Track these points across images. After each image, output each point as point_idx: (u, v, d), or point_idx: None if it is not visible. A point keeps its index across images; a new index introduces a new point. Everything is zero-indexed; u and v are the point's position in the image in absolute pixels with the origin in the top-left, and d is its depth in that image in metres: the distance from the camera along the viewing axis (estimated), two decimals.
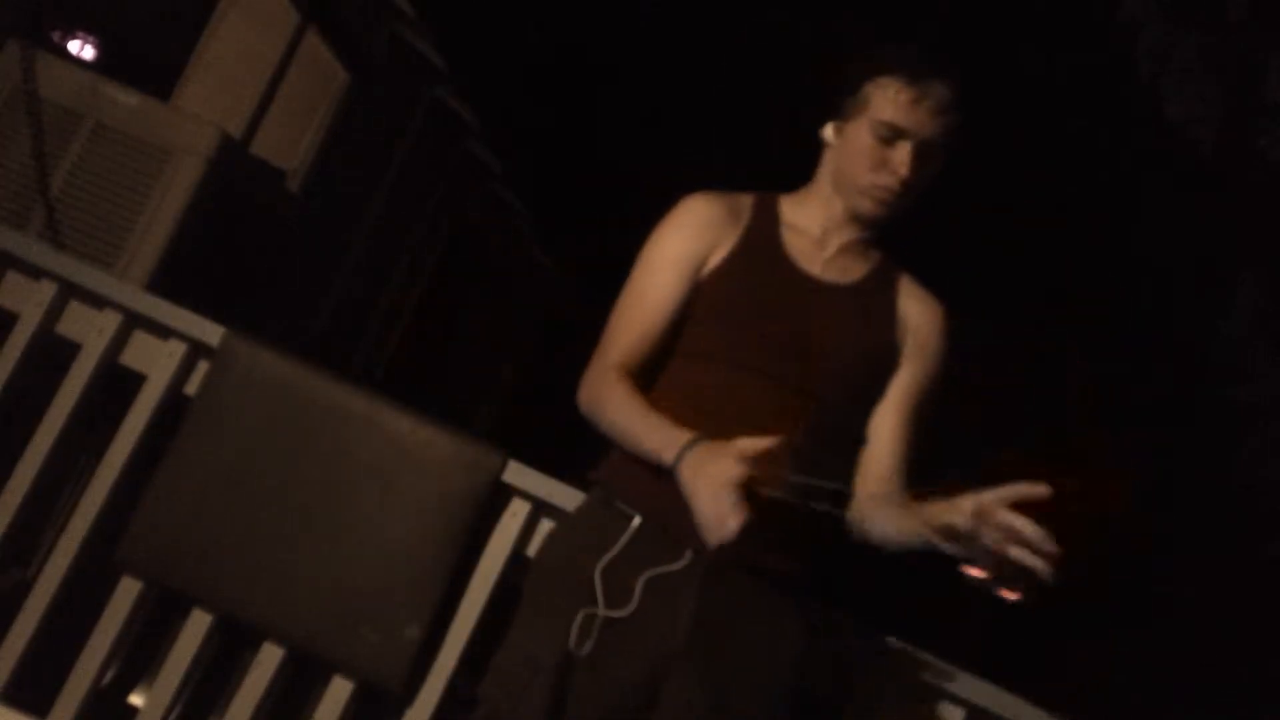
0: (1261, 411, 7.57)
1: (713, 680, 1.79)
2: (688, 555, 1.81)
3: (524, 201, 8.77)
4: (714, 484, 1.67)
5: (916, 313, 1.99)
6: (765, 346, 1.84)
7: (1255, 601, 7.58)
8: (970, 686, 2.21)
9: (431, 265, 8.41)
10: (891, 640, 2.20)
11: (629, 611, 1.80)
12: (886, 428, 1.93)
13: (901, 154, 1.89)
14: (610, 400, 1.87)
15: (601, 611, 1.80)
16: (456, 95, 7.31)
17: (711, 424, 1.83)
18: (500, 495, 2.28)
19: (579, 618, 1.80)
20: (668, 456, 1.76)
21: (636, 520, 1.84)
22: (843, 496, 1.83)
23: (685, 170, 2.01)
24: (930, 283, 2.03)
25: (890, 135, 1.89)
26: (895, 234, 2.03)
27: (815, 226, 1.98)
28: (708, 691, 1.79)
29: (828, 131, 1.99)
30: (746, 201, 2.00)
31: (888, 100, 1.89)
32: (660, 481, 1.84)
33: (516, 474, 2.28)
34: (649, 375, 1.90)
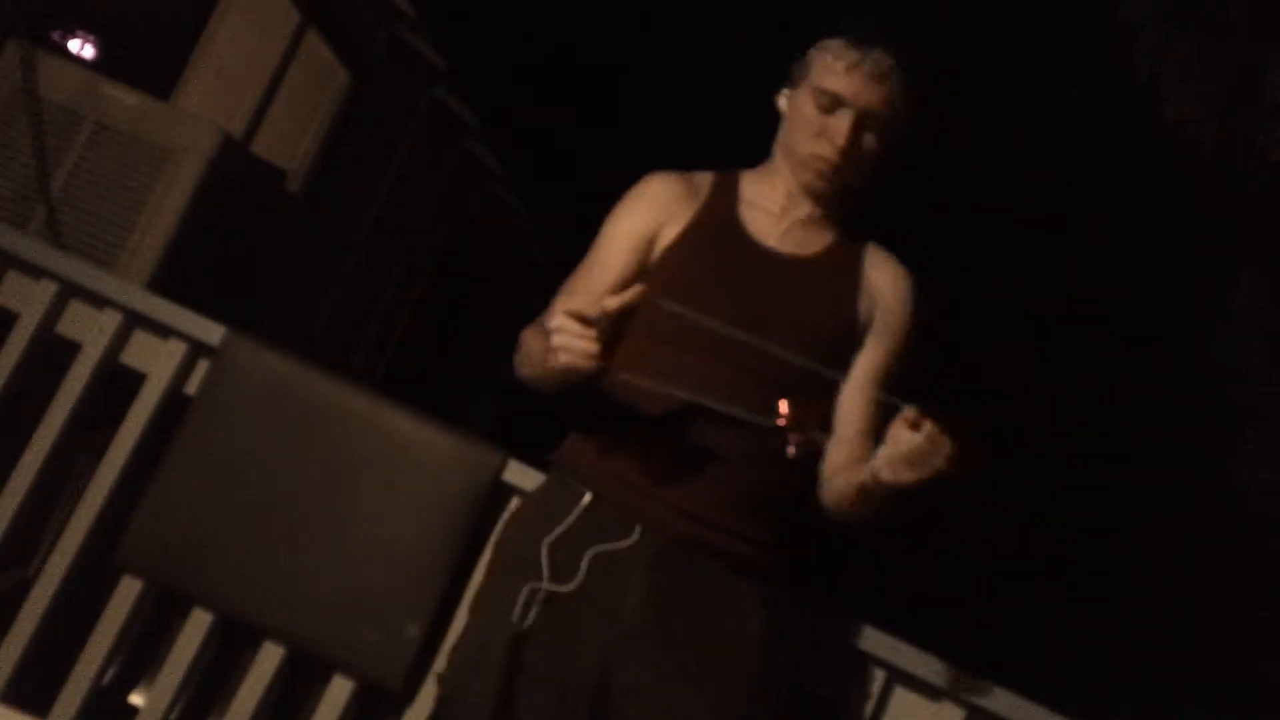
0: (1260, 412, 7.58)
1: (664, 663, 1.76)
2: (636, 532, 1.79)
3: (524, 201, 8.78)
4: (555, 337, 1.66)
5: (882, 281, 1.93)
6: (717, 335, 1.77)
7: (1255, 601, 7.58)
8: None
9: (431, 265, 8.42)
10: (891, 639, 2.20)
11: (573, 587, 1.77)
12: (856, 406, 1.88)
13: (840, 123, 1.84)
14: (522, 340, 1.86)
15: (545, 586, 1.77)
16: (456, 95, 7.31)
17: (662, 407, 1.79)
18: (500, 495, 2.28)
19: (523, 592, 1.78)
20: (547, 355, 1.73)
21: (587, 497, 1.82)
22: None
23: (684, 170, 2.00)
24: (930, 282, 2.00)
25: (830, 103, 1.84)
26: (886, 228, 1.98)
27: (774, 201, 1.93)
28: (659, 675, 1.75)
29: (781, 101, 1.95)
30: (706, 179, 1.97)
31: (826, 67, 1.86)
32: (613, 459, 1.82)
33: (516, 474, 2.28)
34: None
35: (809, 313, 1.87)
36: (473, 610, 1.90)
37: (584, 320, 1.65)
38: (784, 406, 1.70)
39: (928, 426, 1.63)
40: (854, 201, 1.95)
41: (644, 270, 1.89)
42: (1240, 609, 7.70)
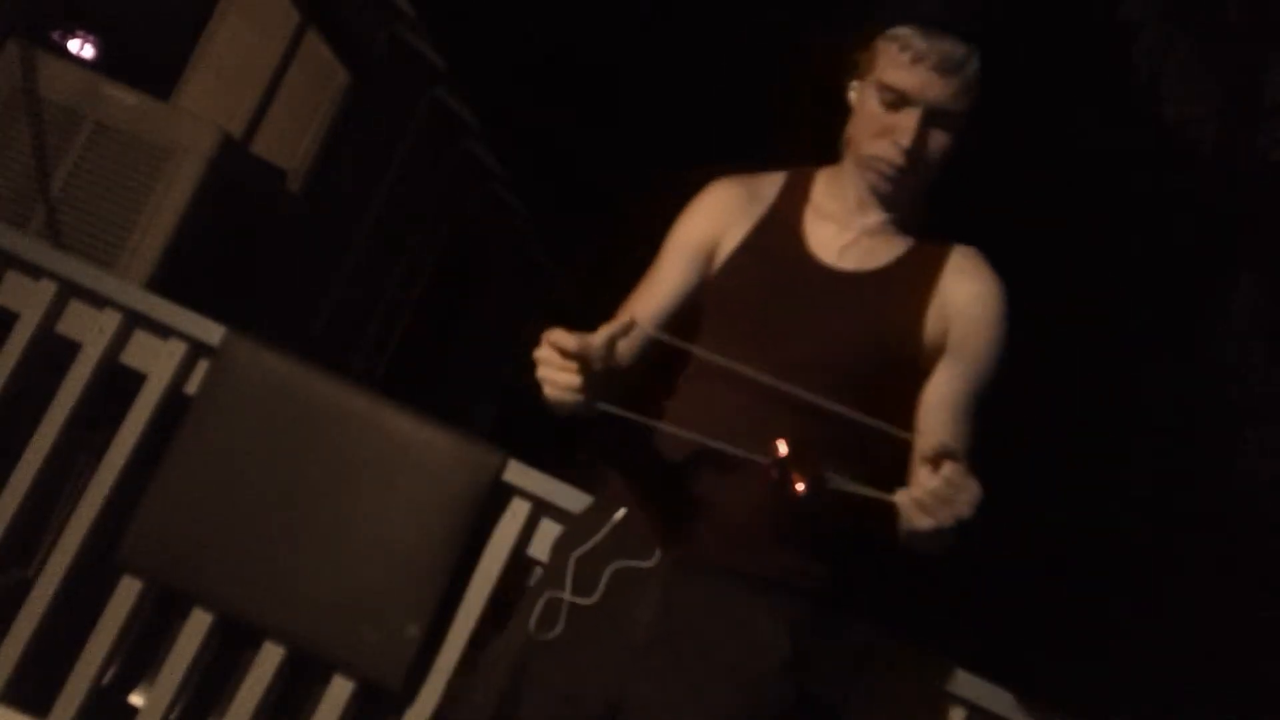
0: (1260, 412, 7.58)
1: (674, 677, 1.73)
2: (657, 555, 1.76)
3: (524, 201, 8.77)
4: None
5: (963, 296, 1.77)
6: (756, 357, 1.68)
7: (1255, 601, 7.58)
8: (972, 685, 2.21)
9: (431, 265, 8.42)
10: (891, 639, 2.20)
11: (592, 600, 1.76)
12: (930, 431, 1.71)
13: (906, 121, 1.70)
14: None
15: (566, 597, 1.77)
16: (456, 95, 7.31)
17: (677, 440, 1.74)
18: (500, 495, 2.28)
19: (541, 602, 1.79)
20: None
21: (619, 514, 1.80)
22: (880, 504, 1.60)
23: (685, 170, 1.99)
24: None
25: (894, 100, 1.71)
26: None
27: (843, 206, 1.81)
28: (668, 689, 1.73)
29: (850, 93, 1.80)
30: (775, 181, 1.87)
31: (891, 58, 1.71)
32: (636, 485, 1.81)
33: (516, 474, 2.28)
34: (657, 371, 1.85)
35: (850, 335, 1.74)
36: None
37: (565, 352, 1.56)
38: (781, 447, 1.58)
39: (948, 468, 1.47)
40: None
41: (702, 282, 1.83)
42: (1240, 609, 7.70)
